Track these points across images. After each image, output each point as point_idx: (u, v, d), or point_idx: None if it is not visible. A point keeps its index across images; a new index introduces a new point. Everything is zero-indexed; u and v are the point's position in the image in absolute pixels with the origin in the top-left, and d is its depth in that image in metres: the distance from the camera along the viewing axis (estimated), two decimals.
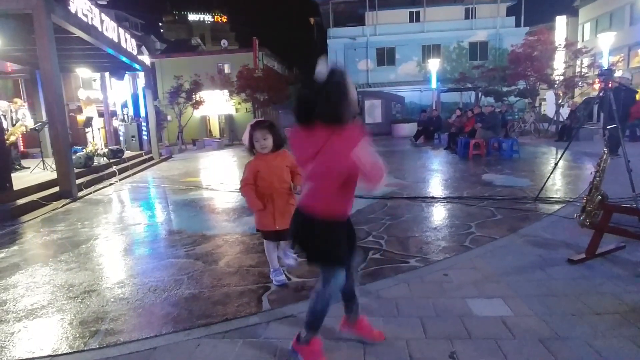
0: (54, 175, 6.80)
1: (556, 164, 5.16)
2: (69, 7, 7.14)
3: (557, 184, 5.79)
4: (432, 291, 2.53)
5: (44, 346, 2.14)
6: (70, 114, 12.89)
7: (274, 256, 2.80)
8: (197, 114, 21.70)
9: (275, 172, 2.58)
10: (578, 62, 17.09)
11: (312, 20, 34.63)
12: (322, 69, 1.58)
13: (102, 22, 8.57)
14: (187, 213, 5.25)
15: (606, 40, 13.55)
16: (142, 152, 12.76)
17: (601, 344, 1.87)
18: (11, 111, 8.08)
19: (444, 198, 5.29)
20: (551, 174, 5.27)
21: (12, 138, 7.98)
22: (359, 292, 2.00)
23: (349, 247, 1.84)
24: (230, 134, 24.02)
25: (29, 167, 8.25)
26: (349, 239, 1.85)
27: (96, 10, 8.35)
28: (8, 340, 2.21)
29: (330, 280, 1.79)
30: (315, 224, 1.74)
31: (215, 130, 27.72)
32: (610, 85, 4.30)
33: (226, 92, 21.58)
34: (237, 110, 23.24)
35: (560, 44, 16.77)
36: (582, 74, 15.86)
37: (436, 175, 7.24)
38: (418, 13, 25.46)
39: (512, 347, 1.89)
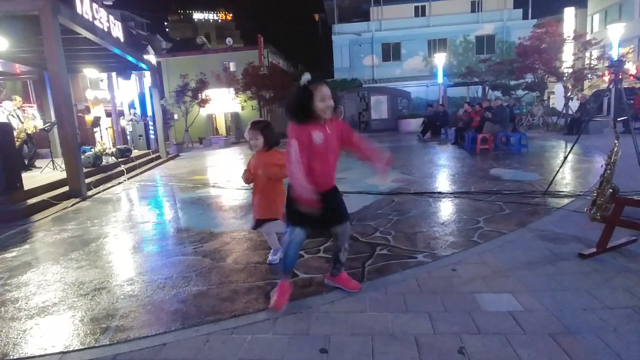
0: (63, 174, 6.88)
1: (565, 158, 5.10)
2: (75, 8, 7.20)
3: (566, 178, 5.72)
4: (440, 286, 2.52)
5: (56, 343, 2.16)
6: (79, 114, 13.01)
7: (269, 238, 3.12)
8: (204, 112, 21.79)
9: (260, 167, 2.83)
10: (587, 54, 16.82)
11: (316, 16, 34.55)
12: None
13: (107, 22, 8.63)
14: (195, 211, 5.28)
15: (616, 32, 13.32)
16: (150, 151, 12.86)
17: (613, 339, 1.85)
18: (15, 109, 8.15)
19: (451, 193, 5.25)
20: (560, 167, 5.20)
21: (22, 135, 8.07)
22: (344, 256, 2.45)
23: (325, 216, 2.21)
24: (236, 132, 24.08)
25: (39, 167, 8.35)
26: (327, 208, 2.22)
27: (102, 11, 8.40)
28: (20, 337, 2.24)
29: (289, 234, 2.28)
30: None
31: (222, 129, 27.82)
32: (620, 77, 4.23)
33: (232, 90, 21.62)
34: (243, 108, 23.27)
35: (568, 36, 16.50)
36: (592, 66, 15.60)
37: (443, 170, 7.19)
38: (423, 7, 25.26)
39: (522, 342, 1.87)
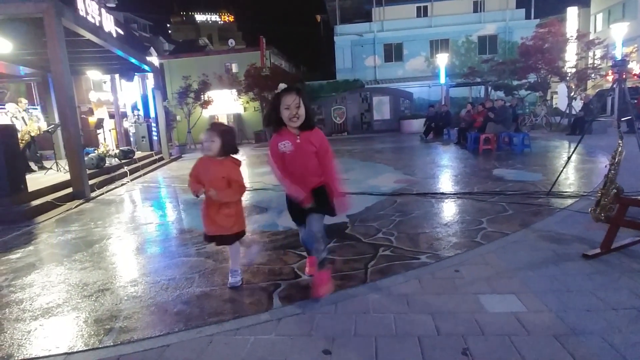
0: (67, 176, 6.90)
1: (569, 158, 5.08)
2: (78, 10, 7.22)
3: (570, 178, 5.69)
4: (443, 287, 2.51)
5: (60, 344, 2.17)
6: (82, 115, 13.04)
7: (232, 256, 2.79)
8: (206, 113, 21.83)
9: (210, 178, 2.51)
10: (590, 54, 16.74)
11: (318, 17, 34.58)
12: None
13: (99, 15, 8.58)
14: (198, 212, 5.23)
15: (619, 31, 13.27)
16: (153, 152, 12.89)
17: (618, 340, 1.84)
18: (19, 111, 8.19)
19: (454, 194, 5.24)
20: (564, 168, 5.18)
21: (27, 137, 8.12)
22: (317, 253, 2.47)
23: (301, 214, 2.46)
24: (238, 133, 24.08)
25: (44, 169, 8.39)
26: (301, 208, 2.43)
27: (104, 13, 8.42)
28: (25, 339, 2.25)
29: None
30: None
31: None
32: (624, 76, 4.20)
33: (234, 91, 21.64)
34: (245, 109, 23.31)
35: (571, 36, 16.43)
36: (595, 65, 15.53)
37: (446, 171, 7.17)
38: (425, 8, 25.21)
39: (526, 343, 1.86)
